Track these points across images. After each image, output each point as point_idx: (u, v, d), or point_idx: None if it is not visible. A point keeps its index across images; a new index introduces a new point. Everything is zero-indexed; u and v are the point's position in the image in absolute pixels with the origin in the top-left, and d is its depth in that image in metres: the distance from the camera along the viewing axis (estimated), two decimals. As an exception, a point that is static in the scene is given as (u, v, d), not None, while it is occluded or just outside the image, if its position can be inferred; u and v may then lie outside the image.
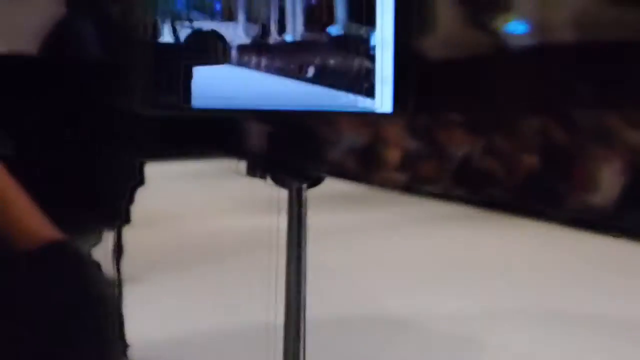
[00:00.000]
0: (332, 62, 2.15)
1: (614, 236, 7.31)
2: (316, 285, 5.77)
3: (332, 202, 10.70)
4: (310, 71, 2.15)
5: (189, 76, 2.01)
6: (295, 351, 3.02)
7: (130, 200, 2.64)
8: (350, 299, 5.33)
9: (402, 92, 2.14)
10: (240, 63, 2.12)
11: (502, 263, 6.37)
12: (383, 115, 2.17)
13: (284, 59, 2.14)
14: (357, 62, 2.15)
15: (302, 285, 2.65)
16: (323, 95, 2.16)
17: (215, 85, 2.09)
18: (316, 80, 2.15)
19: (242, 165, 2.67)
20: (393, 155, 13.09)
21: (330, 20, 2.14)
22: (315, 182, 2.37)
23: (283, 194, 2.64)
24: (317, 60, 2.16)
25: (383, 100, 2.19)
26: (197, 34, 2.06)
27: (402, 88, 2.14)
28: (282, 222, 8.57)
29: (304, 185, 2.29)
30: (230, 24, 2.11)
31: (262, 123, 2.30)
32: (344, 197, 11.33)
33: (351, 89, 2.15)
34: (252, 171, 2.33)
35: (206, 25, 2.09)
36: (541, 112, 11.89)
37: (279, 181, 2.30)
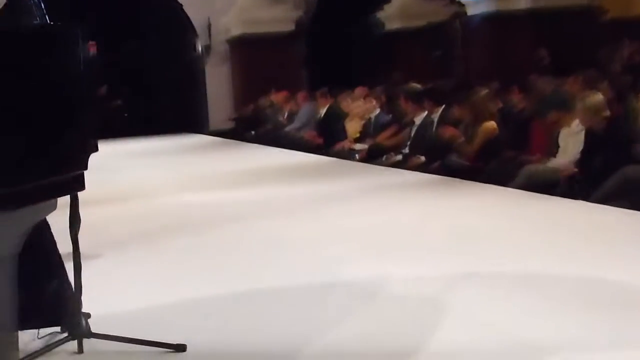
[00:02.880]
0: None
1: (571, 199, 7.39)
2: (279, 255, 5.81)
3: (293, 174, 10.71)
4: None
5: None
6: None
7: (85, 166, 2.62)
8: (311, 267, 5.35)
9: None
10: None
11: (463, 229, 6.40)
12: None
13: None
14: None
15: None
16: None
17: None
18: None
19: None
20: (353, 125, 13.11)
21: None
22: None
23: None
24: None
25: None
26: None
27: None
28: (245, 195, 8.52)
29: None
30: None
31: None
32: (304, 169, 11.34)
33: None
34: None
35: None
36: (499, 78, 11.97)
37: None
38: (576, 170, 7.93)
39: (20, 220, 2.35)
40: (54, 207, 2.50)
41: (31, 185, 2.37)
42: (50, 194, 2.46)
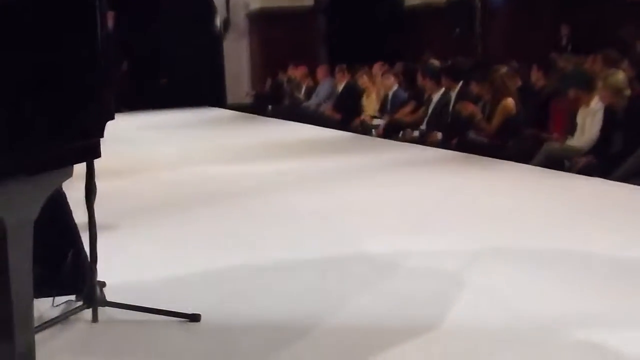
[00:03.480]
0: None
1: (591, 177, 7.35)
2: (297, 228, 5.81)
3: (311, 149, 10.70)
4: None
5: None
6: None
7: (101, 134, 2.61)
8: (329, 241, 5.34)
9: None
10: None
11: (482, 205, 6.38)
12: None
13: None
14: None
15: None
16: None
17: None
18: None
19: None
20: (371, 101, 13.07)
21: None
22: None
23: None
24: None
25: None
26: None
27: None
28: (263, 169, 8.53)
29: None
30: None
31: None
32: (322, 144, 11.32)
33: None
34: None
35: None
36: (519, 57, 11.89)
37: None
38: (594, 149, 7.89)
39: (37, 187, 2.35)
40: (70, 175, 2.49)
41: (47, 151, 2.37)
42: (66, 161, 2.45)
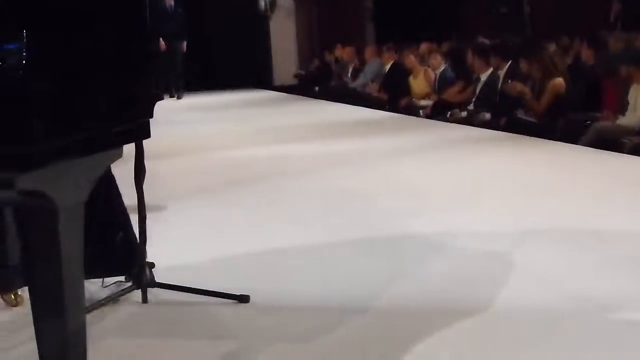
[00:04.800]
0: None
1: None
2: (345, 207, 5.80)
3: (358, 129, 10.67)
4: None
5: None
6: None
7: (150, 114, 2.61)
8: (378, 220, 5.32)
9: None
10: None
11: (532, 185, 6.32)
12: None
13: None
14: None
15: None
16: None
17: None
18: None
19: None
20: (418, 81, 12.99)
21: None
22: None
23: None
24: None
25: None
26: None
27: None
28: (310, 149, 8.57)
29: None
30: None
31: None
32: (369, 124, 11.29)
33: None
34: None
35: None
36: (569, 34, 11.73)
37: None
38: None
39: (88, 168, 2.35)
40: (120, 155, 2.50)
41: (97, 132, 2.37)
42: (116, 142, 2.46)
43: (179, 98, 16.56)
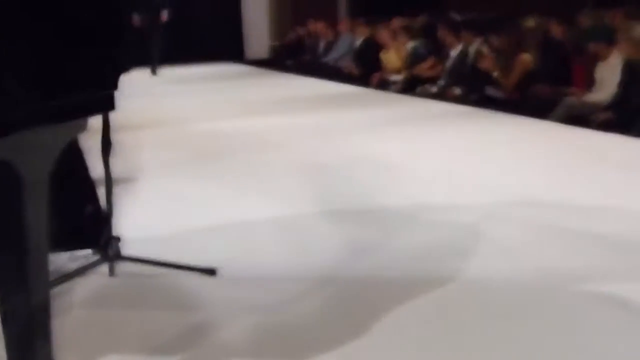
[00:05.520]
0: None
1: (610, 132, 7.31)
2: (314, 180, 5.81)
3: (329, 103, 10.67)
4: None
5: None
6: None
7: (115, 86, 2.60)
8: (346, 193, 5.35)
9: None
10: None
11: (500, 159, 6.37)
12: None
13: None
14: None
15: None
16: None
17: None
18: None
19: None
20: (390, 56, 12.98)
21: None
22: None
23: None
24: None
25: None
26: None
27: None
28: (281, 122, 8.50)
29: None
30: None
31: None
32: (341, 98, 11.29)
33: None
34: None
35: None
36: (540, 11, 11.75)
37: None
38: (613, 104, 7.84)
39: (53, 138, 2.34)
40: (84, 127, 2.48)
41: (62, 101, 2.35)
42: (81, 112, 2.44)
43: (154, 73, 16.39)
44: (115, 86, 2.58)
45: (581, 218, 4.65)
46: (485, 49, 10.17)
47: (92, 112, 2.52)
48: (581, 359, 2.88)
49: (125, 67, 2.70)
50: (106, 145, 3.77)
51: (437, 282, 3.65)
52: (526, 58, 9.29)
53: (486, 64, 9.78)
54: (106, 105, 2.59)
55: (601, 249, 4.09)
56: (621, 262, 3.90)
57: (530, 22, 10.46)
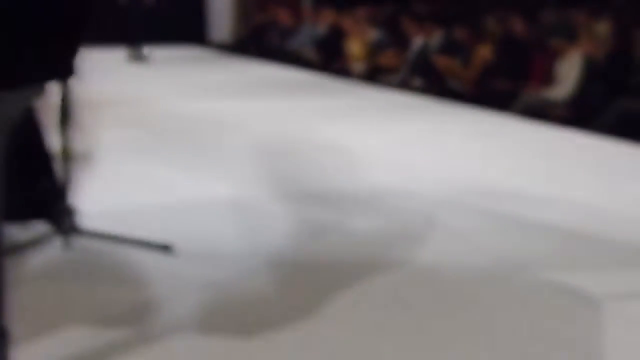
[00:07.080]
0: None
1: (567, 128, 7.39)
2: (273, 162, 5.82)
3: (290, 89, 10.68)
4: None
5: None
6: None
7: (74, 53, 2.56)
8: (305, 176, 5.37)
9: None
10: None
11: (457, 150, 6.41)
12: None
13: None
14: None
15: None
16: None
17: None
18: None
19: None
20: (354, 45, 13.01)
21: None
22: None
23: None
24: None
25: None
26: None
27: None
28: (243, 106, 8.47)
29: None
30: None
31: None
32: (302, 85, 11.29)
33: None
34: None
35: None
36: (503, 6, 11.83)
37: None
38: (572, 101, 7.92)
39: (9, 104, 2.30)
40: (40, 94, 2.44)
41: (18, 66, 2.32)
42: (37, 77, 2.40)
43: (139, 58, 15.85)
44: (74, 52, 2.54)
45: (534, 208, 4.71)
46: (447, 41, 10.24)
47: (50, 78, 2.48)
48: (531, 342, 2.93)
49: (82, 37, 2.67)
50: (65, 115, 3.75)
51: (392, 266, 3.68)
52: (484, 51, 9.35)
53: (442, 61, 9.83)
54: (65, 72, 2.54)
55: (552, 238, 4.15)
56: (571, 250, 3.97)
57: (492, 17, 10.53)
